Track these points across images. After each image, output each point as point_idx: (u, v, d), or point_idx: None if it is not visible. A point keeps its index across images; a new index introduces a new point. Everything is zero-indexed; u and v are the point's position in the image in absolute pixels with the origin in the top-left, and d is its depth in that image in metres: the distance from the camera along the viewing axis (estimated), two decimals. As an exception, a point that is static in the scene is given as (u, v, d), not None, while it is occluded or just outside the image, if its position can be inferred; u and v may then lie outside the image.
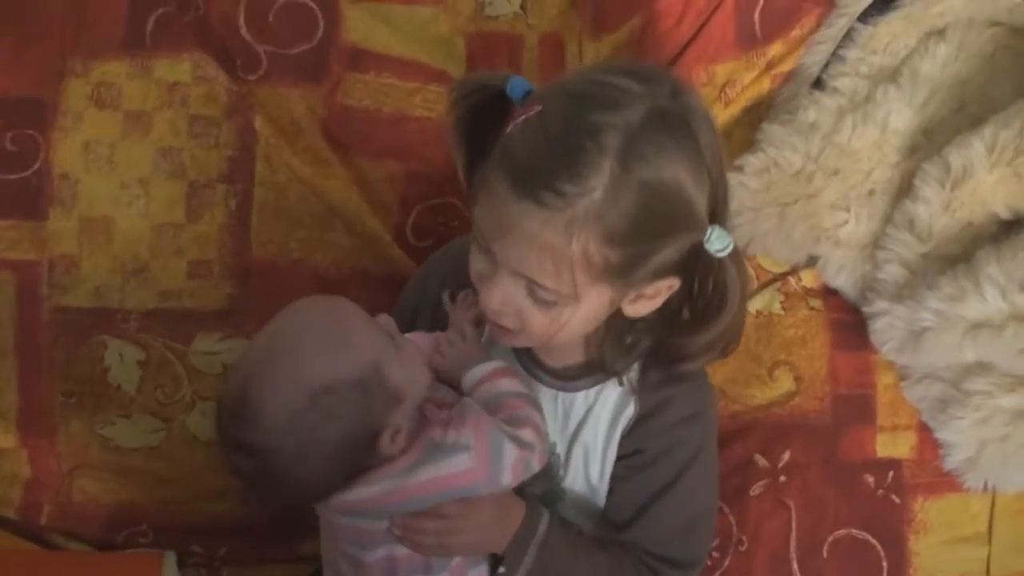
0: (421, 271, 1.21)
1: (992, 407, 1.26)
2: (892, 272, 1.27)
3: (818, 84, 1.34)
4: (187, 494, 1.32)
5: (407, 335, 1.09)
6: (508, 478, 0.99)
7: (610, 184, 0.87)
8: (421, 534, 1.00)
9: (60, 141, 1.29)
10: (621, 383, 1.06)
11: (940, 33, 1.32)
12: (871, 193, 1.31)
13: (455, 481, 0.98)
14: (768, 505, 1.29)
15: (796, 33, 1.36)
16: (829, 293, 1.34)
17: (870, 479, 1.30)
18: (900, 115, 1.29)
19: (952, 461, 1.29)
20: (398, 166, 1.35)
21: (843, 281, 1.32)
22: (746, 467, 1.30)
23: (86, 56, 1.30)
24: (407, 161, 1.35)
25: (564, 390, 1.08)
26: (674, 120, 0.90)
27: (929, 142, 1.30)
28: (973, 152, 1.22)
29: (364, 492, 0.98)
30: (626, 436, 1.08)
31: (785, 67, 1.37)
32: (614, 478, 1.09)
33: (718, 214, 0.94)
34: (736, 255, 0.95)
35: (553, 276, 0.90)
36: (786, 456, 1.30)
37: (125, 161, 1.29)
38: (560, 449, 1.09)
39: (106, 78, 1.30)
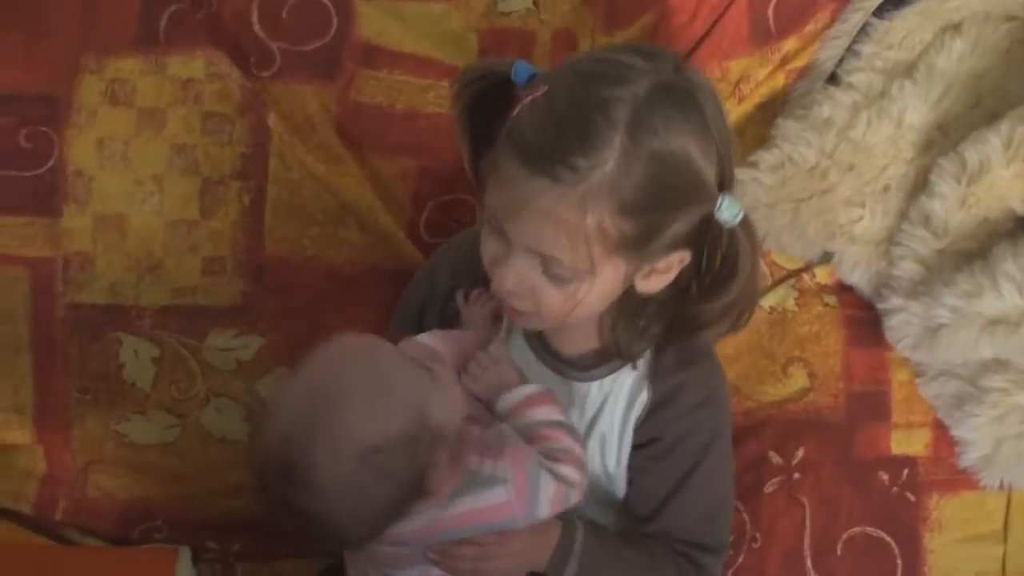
0: (427, 266, 1.21)
1: (1009, 404, 1.26)
2: (907, 268, 1.26)
3: (833, 80, 1.33)
4: (202, 490, 1.32)
5: (424, 336, 1.09)
6: (546, 512, 0.98)
7: (621, 156, 0.88)
8: (457, 559, 0.99)
9: (74, 138, 1.29)
10: (635, 367, 1.06)
11: (956, 28, 1.31)
12: (886, 189, 1.30)
13: (491, 515, 0.96)
14: (782, 502, 1.29)
15: (810, 28, 1.35)
16: (844, 289, 1.34)
17: (885, 476, 1.30)
18: (915, 110, 1.29)
19: (968, 459, 1.29)
20: (411, 163, 1.35)
21: (858, 277, 1.31)
22: (760, 464, 1.30)
23: (100, 53, 1.31)
24: (420, 158, 1.35)
25: (579, 380, 1.08)
26: (679, 93, 0.91)
27: (945, 138, 1.29)
28: (989, 147, 1.22)
29: (406, 527, 0.95)
30: (641, 424, 1.08)
31: (799, 62, 1.36)
32: (634, 469, 1.09)
33: (726, 185, 0.95)
34: (746, 223, 0.96)
35: (569, 251, 0.91)
36: (800, 453, 1.30)
37: (139, 158, 1.30)
38: None
39: (120, 75, 1.30)
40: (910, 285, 1.25)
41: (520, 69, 0.95)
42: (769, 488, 1.29)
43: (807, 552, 1.28)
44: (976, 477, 1.29)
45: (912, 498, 1.29)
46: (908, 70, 1.31)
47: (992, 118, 1.26)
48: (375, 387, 0.91)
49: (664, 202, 0.91)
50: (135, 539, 1.34)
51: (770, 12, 1.35)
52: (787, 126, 1.31)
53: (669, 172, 0.90)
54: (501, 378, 1.04)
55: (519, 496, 0.96)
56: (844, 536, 1.28)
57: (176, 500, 1.33)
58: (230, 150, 1.30)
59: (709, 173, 0.93)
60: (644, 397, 1.07)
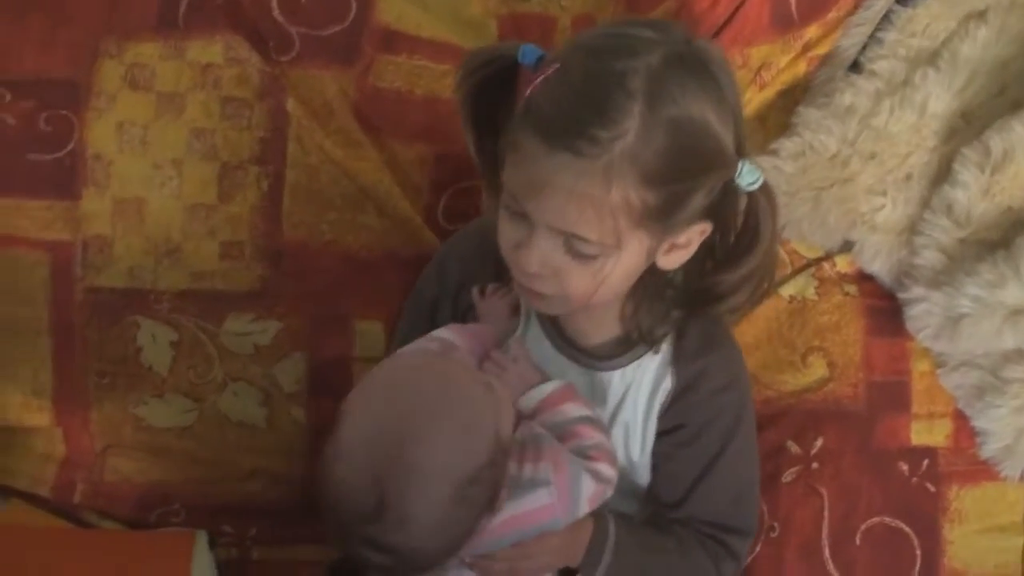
0: (436, 259, 1.20)
1: (1030, 395, 1.25)
2: (929, 258, 1.25)
3: (855, 67, 1.32)
4: (219, 474, 1.33)
5: (442, 331, 1.07)
6: (585, 510, 0.98)
7: (641, 125, 0.88)
8: (492, 561, 0.99)
9: (94, 122, 1.29)
10: (657, 351, 1.06)
11: (981, 15, 1.30)
12: (908, 177, 1.29)
13: (534, 518, 0.95)
14: (800, 492, 1.28)
15: (833, 15, 1.34)
16: (864, 279, 1.33)
17: (904, 467, 1.29)
18: (939, 99, 1.27)
19: (989, 449, 1.28)
20: (429, 148, 1.35)
21: (879, 267, 1.31)
22: (778, 453, 1.29)
23: (120, 37, 1.30)
24: (439, 143, 1.34)
25: (601, 369, 1.08)
26: (692, 62, 0.92)
27: (968, 126, 1.28)
28: (1014, 136, 1.21)
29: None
30: (666, 410, 1.08)
31: (821, 50, 1.35)
32: (659, 456, 1.09)
33: (742, 151, 0.96)
34: (766, 188, 0.96)
35: (596, 226, 0.91)
36: (819, 443, 1.29)
37: (158, 142, 1.30)
38: None
39: (139, 59, 1.30)
40: (932, 274, 1.25)
41: (528, 51, 0.95)
42: (787, 478, 1.29)
43: (825, 542, 1.27)
44: (997, 468, 1.28)
45: (932, 489, 1.29)
46: (932, 58, 1.29)
47: (1016, 106, 1.25)
48: (459, 416, 0.89)
49: (687, 169, 0.92)
50: (152, 523, 1.34)
51: (792, -1, 1.34)
52: (808, 114, 1.30)
53: (689, 139, 0.91)
54: (522, 377, 1.03)
55: (562, 497, 0.95)
56: (863, 526, 1.28)
57: (193, 484, 1.33)
58: (249, 135, 1.30)
59: (728, 139, 0.93)
60: (668, 384, 1.08)
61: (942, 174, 1.27)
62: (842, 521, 1.28)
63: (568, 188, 0.89)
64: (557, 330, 1.09)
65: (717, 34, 1.34)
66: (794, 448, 1.29)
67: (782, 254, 1.31)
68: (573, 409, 1.00)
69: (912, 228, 1.28)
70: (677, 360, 1.07)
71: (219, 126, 1.30)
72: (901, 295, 1.29)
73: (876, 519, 1.28)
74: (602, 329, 1.08)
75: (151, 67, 1.30)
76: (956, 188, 1.24)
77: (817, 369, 1.31)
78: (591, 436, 0.99)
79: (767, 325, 1.31)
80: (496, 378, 0.98)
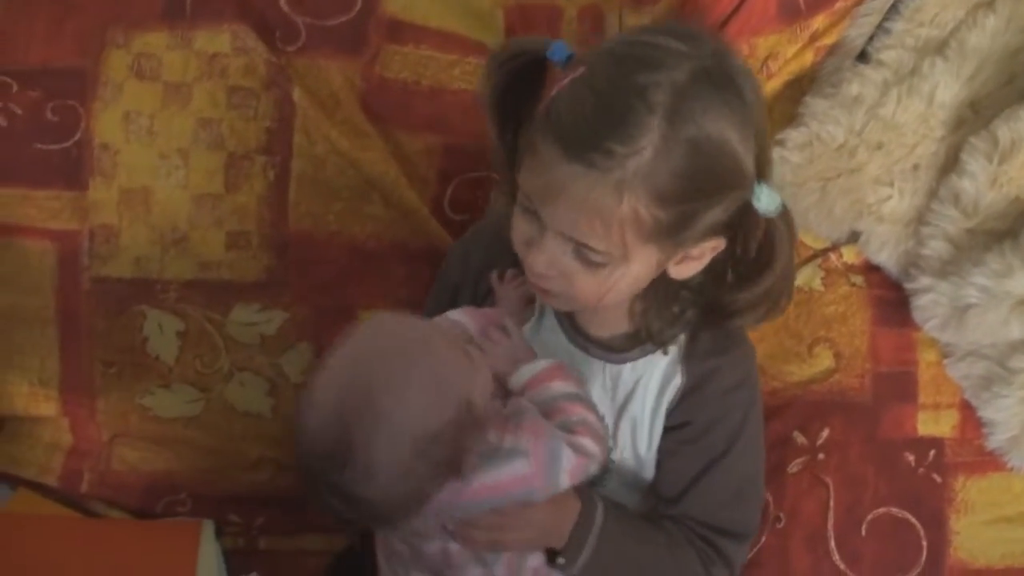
0: (461, 244, 1.21)
1: (1038, 386, 1.25)
2: (936, 248, 1.25)
3: (863, 57, 1.31)
4: (225, 463, 1.33)
5: (456, 312, 1.09)
6: (566, 483, 0.97)
7: (659, 143, 0.87)
8: (474, 530, 0.99)
9: (100, 112, 1.29)
10: (666, 352, 1.06)
11: (989, 4, 1.29)
12: (916, 168, 1.29)
13: (511, 487, 0.96)
14: (806, 483, 1.28)
15: (840, 5, 1.33)
16: (871, 269, 1.33)
17: (910, 457, 1.29)
18: (947, 88, 1.27)
19: (995, 440, 1.28)
20: (436, 139, 1.34)
21: (885, 257, 1.30)
22: (784, 444, 1.29)
23: (126, 27, 1.31)
24: (445, 134, 1.34)
25: (612, 362, 1.08)
26: (720, 78, 0.90)
27: (976, 116, 1.27)
28: (1022, 125, 1.20)
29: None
30: (674, 407, 1.08)
31: (829, 40, 1.34)
32: (663, 452, 1.09)
33: (764, 171, 0.95)
34: (785, 213, 0.96)
35: (603, 238, 0.91)
36: (825, 433, 1.29)
37: (165, 132, 1.30)
38: (609, 421, 1.09)
39: (146, 49, 1.30)
40: (939, 265, 1.24)
41: (557, 49, 0.94)
42: (793, 468, 1.29)
43: (831, 533, 1.27)
44: (1004, 458, 1.28)
45: (938, 479, 1.28)
46: (940, 47, 1.29)
47: (1025, 96, 1.24)
48: (427, 374, 0.90)
49: (701, 190, 0.91)
50: (159, 512, 1.35)
51: (799, -12, 1.34)
52: (815, 104, 1.29)
53: (707, 160, 0.89)
54: (514, 353, 1.04)
55: (539, 468, 0.96)
56: (869, 517, 1.28)
57: (200, 474, 1.34)
58: (255, 125, 1.30)
59: (748, 161, 0.92)
60: (677, 381, 1.07)
61: (949, 164, 1.26)
62: (848, 512, 1.27)
63: (579, 199, 0.89)
64: (570, 322, 1.10)
65: (724, 24, 1.34)
66: (800, 439, 1.29)
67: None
68: (561, 386, 1.01)
69: (919, 218, 1.27)
70: (689, 357, 1.07)
71: (226, 116, 1.30)
72: (908, 285, 1.28)
73: (882, 510, 1.28)
74: (611, 324, 1.08)
75: (158, 57, 1.30)
76: (964, 178, 1.23)
77: (823, 360, 1.30)
78: (577, 412, 0.99)
79: (773, 316, 1.30)
80: (482, 350, 0.98)
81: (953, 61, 1.27)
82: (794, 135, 1.28)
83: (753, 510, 1.13)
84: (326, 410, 0.90)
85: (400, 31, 1.34)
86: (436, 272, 1.25)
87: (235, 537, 1.37)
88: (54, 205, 1.29)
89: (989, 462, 1.28)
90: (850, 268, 1.32)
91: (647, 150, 0.87)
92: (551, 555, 1.05)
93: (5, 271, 1.30)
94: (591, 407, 1.02)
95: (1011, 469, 1.28)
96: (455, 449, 0.91)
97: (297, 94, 1.30)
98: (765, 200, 0.93)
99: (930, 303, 1.25)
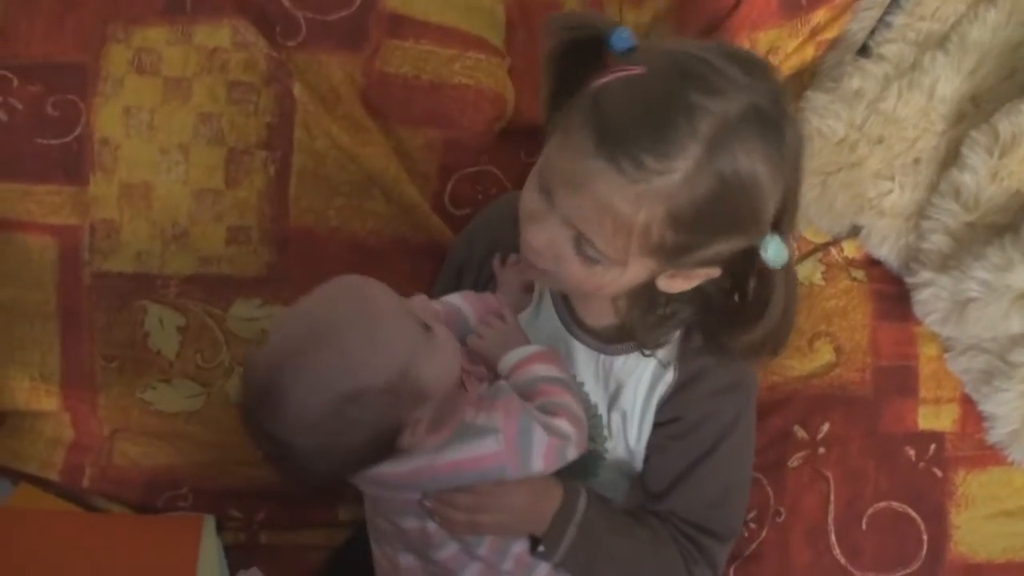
0: (468, 228, 1.21)
1: (1039, 379, 1.25)
2: (937, 242, 1.25)
3: (864, 51, 1.31)
4: (226, 458, 1.33)
5: (454, 296, 1.10)
6: (539, 464, 0.98)
7: (692, 169, 0.86)
8: (452, 509, 1.00)
9: (101, 106, 1.29)
10: (646, 354, 1.06)
11: (991, -2, 1.29)
12: (916, 162, 1.29)
13: (481, 463, 0.97)
14: (807, 477, 1.28)
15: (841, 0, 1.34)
16: (871, 264, 1.33)
17: (911, 452, 1.29)
18: (948, 82, 1.27)
19: (996, 434, 1.28)
20: (437, 134, 1.34)
21: (886, 251, 1.30)
22: (785, 439, 1.29)
23: (127, 22, 1.30)
24: (446, 129, 1.34)
25: (605, 352, 1.08)
26: (768, 121, 0.89)
27: (977, 110, 1.27)
28: (1023, 119, 1.20)
29: (390, 470, 0.97)
30: (664, 403, 1.08)
31: (830, 34, 1.35)
32: (652, 447, 1.09)
33: (782, 224, 0.94)
34: (789, 269, 0.95)
35: (609, 239, 0.90)
36: (825, 428, 1.29)
37: (165, 127, 1.29)
38: (602, 411, 1.09)
39: (146, 44, 1.30)
40: (939, 259, 1.24)
41: (621, 37, 0.93)
42: (794, 463, 1.29)
43: (831, 527, 1.27)
44: (1004, 453, 1.28)
45: (939, 474, 1.28)
46: (941, 41, 1.29)
47: (1026, 90, 1.24)
48: (367, 335, 0.91)
49: (716, 224, 0.90)
50: (160, 507, 1.35)
51: (800, -17, 1.33)
52: (816, 98, 1.30)
53: (731, 197, 0.88)
54: (506, 338, 1.05)
55: (509, 446, 0.96)
56: (869, 511, 1.28)
57: (201, 468, 1.34)
58: (255, 120, 1.30)
59: (769, 208, 0.91)
60: (670, 376, 1.08)
61: (950, 158, 1.26)
62: (848, 506, 1.28)
63: (598, 197, 0.88)
64: (567, 309, 1.10)
65: (726, 18, 1.34)
66: (800, 433, 1.29)
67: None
68: (544, 369, 1.02)
69: (920, 212, 1.28)
70: (682, 354, 1.07)
71: (226, 111, 1.30)
72: (908, 280, 1.28)
73: (883, 504, 1.28)
74: (600, 314, 1.08)
75: (158, 51, 1.30)
76: (964, 172, 1.23)
77: (824, 354, 1.30)
78: (557, 395, 1.00)
79: (774, 310, 1.30)
80: (450, 336, 0.98)
81: (954, 55, 1.27)
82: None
83: (738, 511, 1.13)
84: (267, 349, 0.93)
85: (400, 26, 1.34)
86: (437, 267, 1.25)
87: (236, 532, 1.37)
88: (55, 200, 1.29)
89: (989, 456, 1.29)
90: (851, 262, 1.32)
91: (678, 173, 0.86)
92: (534, 543, 1.05)
93: (6, 266, 1.30)
94: (573, 392, 1.02)
95: (1011, 463, 1.28)
96: (386, 417, 0.92)
97: (297, 89, 1.30)
98: (772, 252, 0.92)
99: (931, 297, 1.25)
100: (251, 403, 0.93)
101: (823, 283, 1.32)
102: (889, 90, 1.27)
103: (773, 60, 1.34)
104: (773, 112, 0.89)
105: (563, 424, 0.98)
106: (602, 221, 0.89)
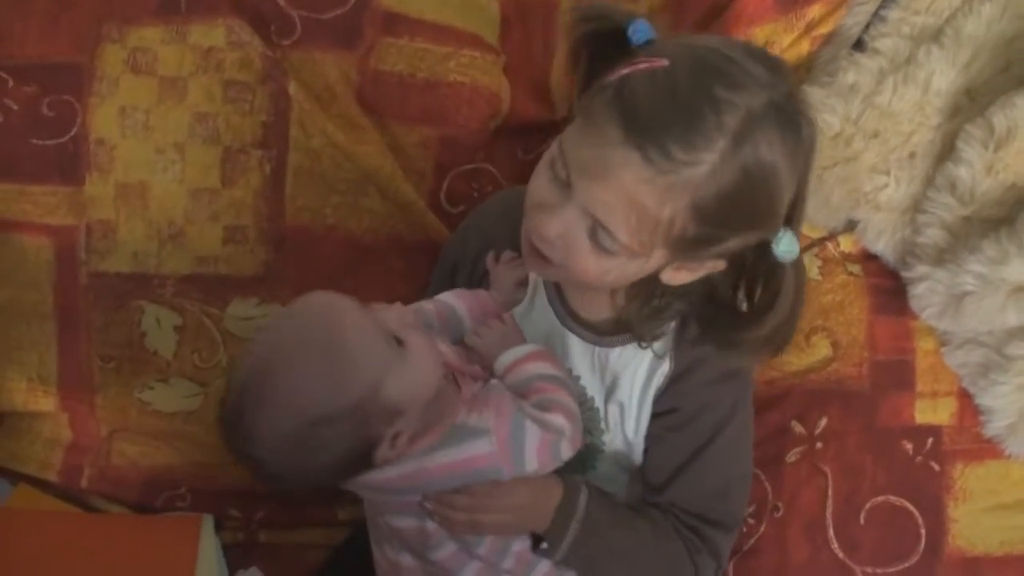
0: (462, 225, 1.21)
1: (1035, 372, 1.25)
2: (933, 236, 1.25)
3: (859, 45, 1.31)
4: (224, 458, 1.32)
5: (447, 294, 1.10)
6: (534, 463, 0.98)
7: (718, 161, 0.87)
8: (452, 509, 1.00)
9: (96, 107, 1.29)
10: (643, 346, 1.06)
11: (985, -9, 1.29)
12: (912, 156, 1.28)
13: (474, 464, 0.97)
14: (804, 472, 1.28)
15: (835, -6, 1.34)
16: (868, 258, 1.33)
17: (908, 446, 1.29)
18: (943, 76, 1.27)
19: (993, 427, 1.27)
20: (432, 131, 1.34)
21: (882, 246, 1.30)
22: (782, 434, 1.29)
23: (122, 22, 1.30)
24: (441, 126, 1.34)
25: (600, 345, 1.08)
26: (787, 117, 0.90)
27: (972, 103, 1.27)
28: (1017, 112, 1.20)
29: (380, 476, 0.97)
30: (661, 394, 1.08)
31: (825, 28, 1.34)
32: (650, 439, 1.09)
33: (794, 219, 0.95)
34: (799, 265, 0.96)
35: (634, 232, 0.91)
36: (823, 423, 1.29)
37: (161, 126, 1.30)
38: (599, 404, 1.09)
39: (142, 44, 1.30)
40: (935, 252, 1.24)
41: (640, 29, 0.93)
42: (791, 457, 1.29)
43: (829, 521, 1.27)
44: (1001, 446, 1.28)
45: (936, 467, 1.28)
46: (936, 35, 1.28)
47: (1021, 83, 1.23)
48: (333, 358, 0.91)
49: (736, 217, 0.91)
50: (159, 507, 1.35)
51: (796, -23, 1.33)
52: (812, 93, 1.29)
53: (752, 190, 0.89)
54: (504, 338, 1.05)
55: (502, 446, 0.96)
56: (867, 505, 1.27)
57: (199, 468, 1.34)
58: (251, 119, 1.30)
59: (785, 202, 0.92)
60: (665, 367, 1.08)
61: (945, 152, 1.26)
62: (846, 500, 1.27)
63: (624, 188, 0.88)
64: (562, 302, 1.10)
65: (721, 13, 1.34)
66: (798, 428, 1.29)
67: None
68: (539, 367, 1.02)
69: (916, 206, 1.27)
70: (678, 345, 1.07)
71: (221, 110, 1.30)
72: (905, 274, 1.28)
73: (880, 498, 1.28)
74: (596, 308, 1.08)
75: (153, 51, 1.30)
76: (960, 165, 1.23)
77: (821, 349, 1.30)
78: (552, 392, 1.00)
79: (771, 305, 1.30)
80: (426, 343, 0.98)
81: (949, 49, 1.27)
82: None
83: (740, 501, 1.13)
84: (240, 370, 0.93)
85: (395, 24, 1.34)
86: (433, 264, 1.25)
87: (235, 531, 1.37)
88: (51, 200, 1.29)
89: (987, 449, 1.28)
90: (847, 257, 1.32)
91: (705, 165, 0.87)
92: (535, 541, 1.05)
93: (2, 267, 1.30)
94: (568, 389, 1.02)
95: (1009, 456, 1.28)
96: (358, 437, 0.93)
97: (293, 88, 1.30)
98: (784, 246, 0.93)
99: (927, 291, 1.24)
100: (226, 422, 0.94)
101: (820, 278, 1.32)
102: (884, 84, 1.27)
103: (768, 55, 1.34)
104: (791, 108, 0.90)
105: (557, 419, 0.98)
106: (628, 215, 0.90)
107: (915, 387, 1.29)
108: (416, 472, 0.96)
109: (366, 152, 1.31)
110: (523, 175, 0.99)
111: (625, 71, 0.90)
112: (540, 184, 0.95)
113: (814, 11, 1.34)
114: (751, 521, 1.27)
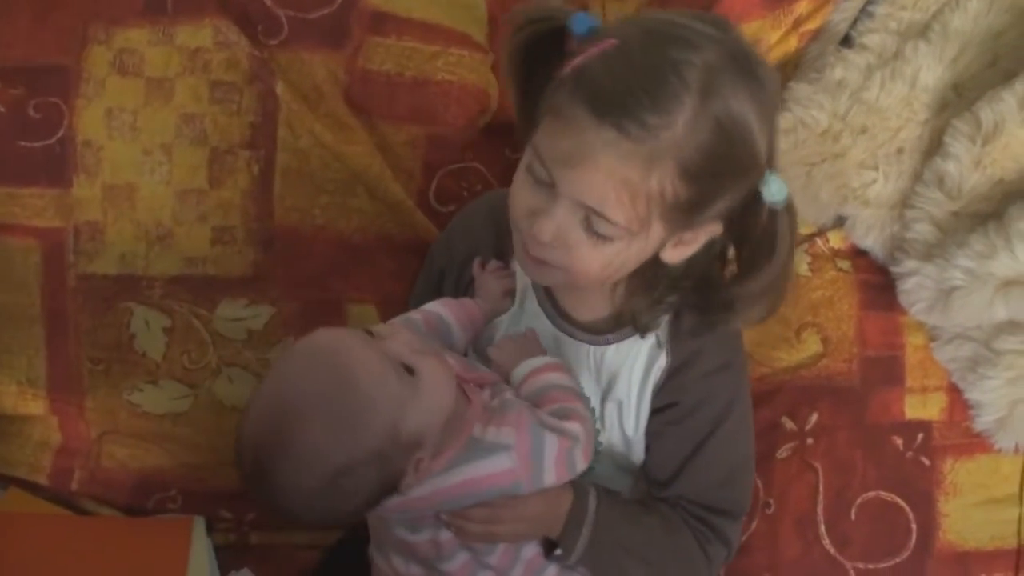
0: (446, 231, 1.21)
1: (1024, 366, 1.25)
2: (921, 231, 1.25)
3: (846, 41, 1.32)
4: (215, 459, 1.33)
5: (434, 304, 1.09)
6: (552, 477, 0.98)
7: (691, 117, 0.88)
8: (468, 521, 1.00)
9: (83, 108, 1.29)
10: (643, 336, 1.06)
11: (972, -14, 1.29)
12: (900, 151, 1.29)
13: (495, 481, 0.96)
14: (795, 468, 1.28)
15: (824, -10, 1.34)
16: (857, 254, 1.33)
17: (899, 441, 1.29)
18: (930, 71, 1.27)
19: (983, 422, 1.28)
20: (420, 130, 1.34)
21: (871, 241, 1.30)
22: (773, 430, 1.29)
23: (108, 23, 1.30)
24: (429, 125, 1.34)
25: (596, 344, 1.08)
26: (745, 64, 0.91)
27: (959, 98, 1.27)
28: (1004, 107, 1.20)
29: (400, 500, 0.95)
30: (660, 389, 1.08)
31: (812, 25, 1.35)
32: (651, 435, 1.10)
33: (773, 162, 0.95)
34: (790, 206, 0.96)
35: (627, 210, 0.91)
36: (813, 419, 1.29)
37: (148, 128, 1.29)
38: (595, 403, 1.09)
39: (128, 45, 1.30)
40: (924, 248, 1.24)
41: (580, 20, 0.94)
42: (782, 454, 1.29)
43: (820, 517, 1.27)
44: (991, 440, 1.28)
45: (927, 462, 1.29)
46: (923, 30, 1.29)
47: (1008, 78, 1.24)
48: (346, 408, 0.89)
49: (723, 169, 0.92)
50: (150, 509, 1.35)
51: (783, -26, 1.33)
52: (799, 89, 1.30)
53: (730, 140, 0.90)
54: (523, 348, 1.05)
55: (523, 461, 0.96)
56: (858, 501, 1.28)
57: (190, 470, 1.33)
58: (239, 119, 1.30)
59: (763, 146, 0.93)
60: (662, 362, 1.08)
61: (933, 147, 1.26)
62: (837, 496, 1.28)
63: (609, 168, 0.89)
64: (553, 306, 1.10)
65: (708, 10, 1.34)
66: (789, 424, 1.29)
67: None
68: (556, 378, 1.02)
69: (904, 202, 1.28)
70: (673, 339, 1.08)
71: (209, 111, 1.30)
72: (894, 269, 1.28)
73: (871, 494, 1.28)
74: (593, 308, 1.08)
75: (140, 52, 1.30)
76: (947, 160, 1.23)
77: (811, 345, 1.31)
78: (568, 401, 1.00)
79: (760, 301, 1.30)
80: (437, 360, 0.95)
81: (936, 44, 1.27)
82: (778, 120, 1.28)
83: (745, 488, 1.14)
84: (251, 424, 0.91)
85: (383, 23, 1.34)
86: (423, 264, 1.25)
87: (226, 533, 1.36)
88: (38, 203, 1.29)
89: (977, 444, 1.29)
90: (836, 253, 1.32)
91: (679, 124, 0.88)
92: (548, 546, 1.05)
93: (-10, 270, 1.29)
94: (583, 401, 1.02)
95: (998, 450, 1.29)
96: (382, 476, 0.91)
97: (280, 88, 1.30)
98: (774, 189, 0.94)
99: (916, 286, 1.25)
100: (247, 477, 0.91)
101: (809, 274, 1.32)
102: (872, 80, 1.27)
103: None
104: (745, 56, 0.92)
105: (573, 426, 0.98)
106: (619, 193, 0.90)
107: (905, 382, 1.30)
108: (435, 493, 0.95)
109: (354, 152, 1.31)
110: (512, 173, 0.99)
111: (578, 61, 0.91)
112: (522, 193, 0.96)
113: (801, 7, 1.34)
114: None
